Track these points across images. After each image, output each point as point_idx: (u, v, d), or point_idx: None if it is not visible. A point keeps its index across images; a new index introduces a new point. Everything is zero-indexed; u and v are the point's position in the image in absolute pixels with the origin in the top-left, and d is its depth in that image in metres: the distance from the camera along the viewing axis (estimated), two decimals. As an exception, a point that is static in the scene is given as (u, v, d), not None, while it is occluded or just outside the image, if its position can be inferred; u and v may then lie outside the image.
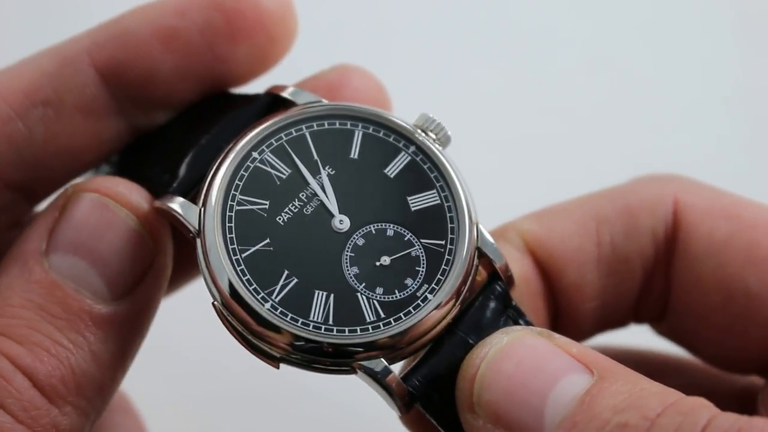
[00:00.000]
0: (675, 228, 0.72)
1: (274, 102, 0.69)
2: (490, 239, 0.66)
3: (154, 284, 0.67)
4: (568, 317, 0.74)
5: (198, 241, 0.63)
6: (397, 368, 0.64)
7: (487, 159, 1.00)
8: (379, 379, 0.62)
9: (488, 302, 0.65)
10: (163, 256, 0.67)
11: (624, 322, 0.77)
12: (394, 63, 0.76)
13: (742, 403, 0.74)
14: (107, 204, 0.65)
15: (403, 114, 0.69)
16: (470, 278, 0.65)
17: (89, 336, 0.63)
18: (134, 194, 0.66)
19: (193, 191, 0.66)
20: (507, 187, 1.04)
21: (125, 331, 0.65)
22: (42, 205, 0.75)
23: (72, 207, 0.65)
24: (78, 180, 0.68)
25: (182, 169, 0.67)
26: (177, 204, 0.64)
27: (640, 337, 0.79)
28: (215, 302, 0.63)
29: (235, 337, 0.63)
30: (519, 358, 0.59)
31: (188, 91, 0.71)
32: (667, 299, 0.74)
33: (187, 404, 1.01)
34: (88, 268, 0.64)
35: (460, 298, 0.64)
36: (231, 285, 0.62)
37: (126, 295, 0.65)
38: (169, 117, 0.73)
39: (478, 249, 0.65)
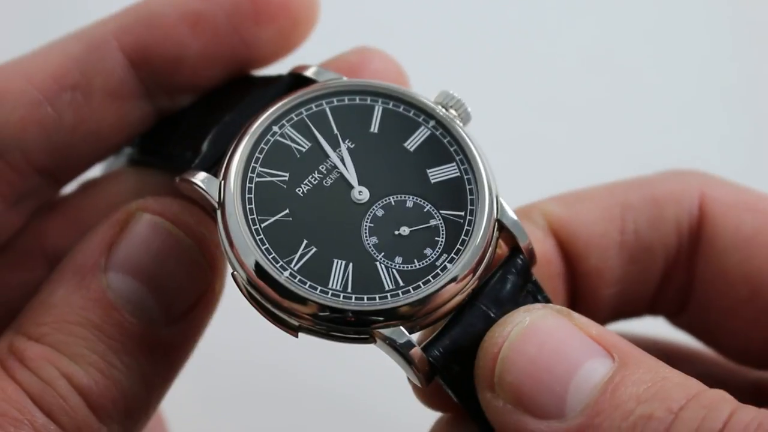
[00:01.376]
0: (700, 220, 0.72)
1: (296, 82, 0.70)
2: (513, 215, 0.66)
3: (206, 310, 0.67)
4: (585, 301, 0.73)
5: (219, 212, 0.63)
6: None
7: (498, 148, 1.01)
8: (398, 347, 0.62)
9: (508, 275, 0.65)
10: (218, 284, 0.67)
11: (639, 312, 0.76)
12: (412, 47, 0.76)
13: (754, 394, 0.73)
14: (170, 230, 0.65)
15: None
16: (490, 250, 0.65)
17: (141, 359, 0.64)
18: (198, 222, 0.66)
19: (215, 167, 0.66)
20: (519, 174, 1.04)
21: (175, 354, 0.66)
22: (67, 188, 0.75)
23: (134, 227, 0.65)
24: (139, 200, 0.68)
25: (204, 146, 0.68)
26: (199, 179, 0.65)
27: (650, 325, 0.79)
28: (234, 272, 0.63)
29: (254, 306, 0.63)
30: (541, 340, 0.59)
31: (213, 75, 0.72)
32: (689, 292, 0.73)
33: (200, 398, 1.01)
34: (145, 293, 0.64)
35: (480, 270, 0.64)
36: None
37: (179, 321, 0.65)
38: (193, 100, 0.73)
39: (498, 221, 0.65)
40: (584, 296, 0.73)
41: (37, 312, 0.64)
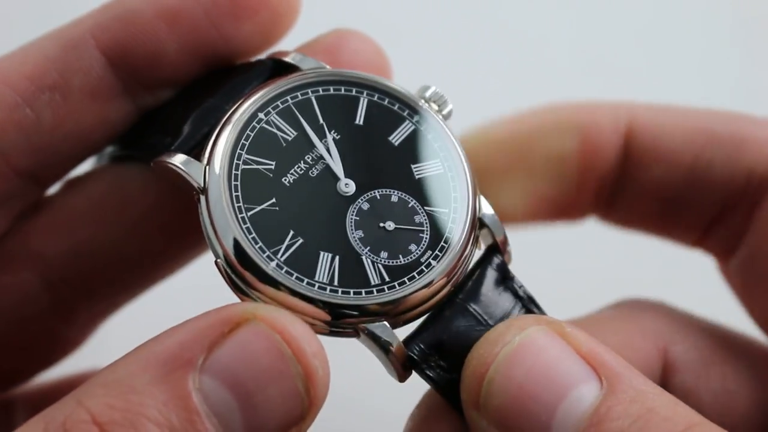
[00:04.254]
0: None
1: (276, 67, 0.69)
2: (491, 211, 0.67)
3: None
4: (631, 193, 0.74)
5: (202, 198, 0.63)
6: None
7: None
8: (380, 342, 0.62)
9: (487, 272, 0.66)
10: (308, 422, 0.60)
11: (684, 241, 0.77)
12: (397, 41, 0.76)
13: None
14: (284, 351, 0.57)
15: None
16: (471, 247, 0.65)
17: None
18: (315, 353, 0.58)
19: (195, 150, 0.65)
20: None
21: None
22: (51, 190, 0.74)
23: (245, 334, 0.57)
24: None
25: (184, 129, 0.67)
26: (178, 160, 0.64)
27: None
28: (218, 260, 0.62)
29: (237, 294, 0.62)
30: (529, 364, 0.59)
31: (193, 70, 0.71)
32: (741, 238, 0.73)
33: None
34: (235, 410, 0.56)
35: (462, 266, 0.64)
36: (236, 242, 0.61)
37: None
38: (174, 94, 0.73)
39: (480, 219, 0.66)
40: (625, 199, 0.74)
41: (110, 389, 0.55)
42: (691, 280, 0.85)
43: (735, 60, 1.25)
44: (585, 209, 0.79)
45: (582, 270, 1.12)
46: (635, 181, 0.74)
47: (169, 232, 0.75)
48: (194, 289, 0.72)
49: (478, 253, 0.67)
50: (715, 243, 0.75)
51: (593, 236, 1.13)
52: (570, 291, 0.95)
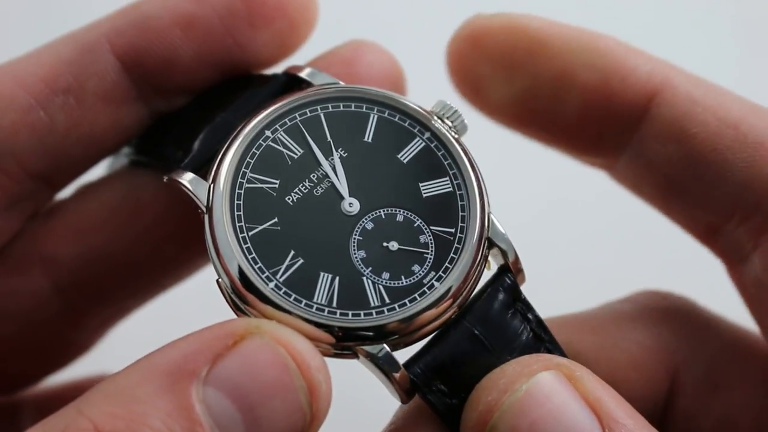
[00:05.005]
0: None
1: (290, 82, 0.69)
2: (502, 230, 0.65)
3: None
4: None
5: (206, 217, 0.62)
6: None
7: (500, 153, 0.99)
8: (380, 365, 0.61)
9: (497, 294, 0.64)
10: None
11: None
12: (412, 49, 0.75)
13: None
14: (289, 365, 0.56)
15: (419, 101, 0.68)
16: (479, 268, 0.64)
17: None
18: (318, 367, 0.57)
19: (204, 167, 0.65)
20: (519, 180, 1.02)
21: None
22: (63, 193, 0.75)
23: (249, 346, 0.56)
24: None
25: (195, 146, 0.67)
26: (186, 179, 0.64)
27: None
28: (219, 279, 0.62)
29: (237, 315, 0.62)
30: (534, 416, 0.58)
31: (208, 77, 0.71)
32: (754, 251, 0.69)
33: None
34: (239, 423, 0.55)
35: (468, 288, 0.63)
36: (237, 264, 0.61)
37: None
38: (189, 100, 0.72)
39: (489, 239, 0.64)
40: (631, 160, 0.71)
41: (113, 399, 0.55)
42: (695, 280, 0.83)
43: (735, 60, 1.23)
44: (583, 144, 0.74)
45: (582, 269, 1.11)
46: (645, 148, 0.69)
47: (180, 239, 0.75)
48: (204, 295, 0.72)
49: (489, 273, 0.66)
50: (722, 247, 0.71)
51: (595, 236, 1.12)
52: (571, 291, 0.93)
